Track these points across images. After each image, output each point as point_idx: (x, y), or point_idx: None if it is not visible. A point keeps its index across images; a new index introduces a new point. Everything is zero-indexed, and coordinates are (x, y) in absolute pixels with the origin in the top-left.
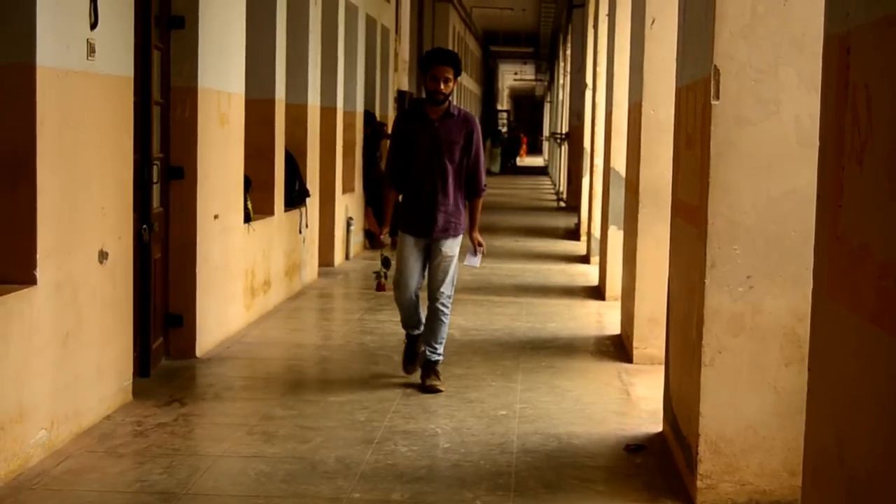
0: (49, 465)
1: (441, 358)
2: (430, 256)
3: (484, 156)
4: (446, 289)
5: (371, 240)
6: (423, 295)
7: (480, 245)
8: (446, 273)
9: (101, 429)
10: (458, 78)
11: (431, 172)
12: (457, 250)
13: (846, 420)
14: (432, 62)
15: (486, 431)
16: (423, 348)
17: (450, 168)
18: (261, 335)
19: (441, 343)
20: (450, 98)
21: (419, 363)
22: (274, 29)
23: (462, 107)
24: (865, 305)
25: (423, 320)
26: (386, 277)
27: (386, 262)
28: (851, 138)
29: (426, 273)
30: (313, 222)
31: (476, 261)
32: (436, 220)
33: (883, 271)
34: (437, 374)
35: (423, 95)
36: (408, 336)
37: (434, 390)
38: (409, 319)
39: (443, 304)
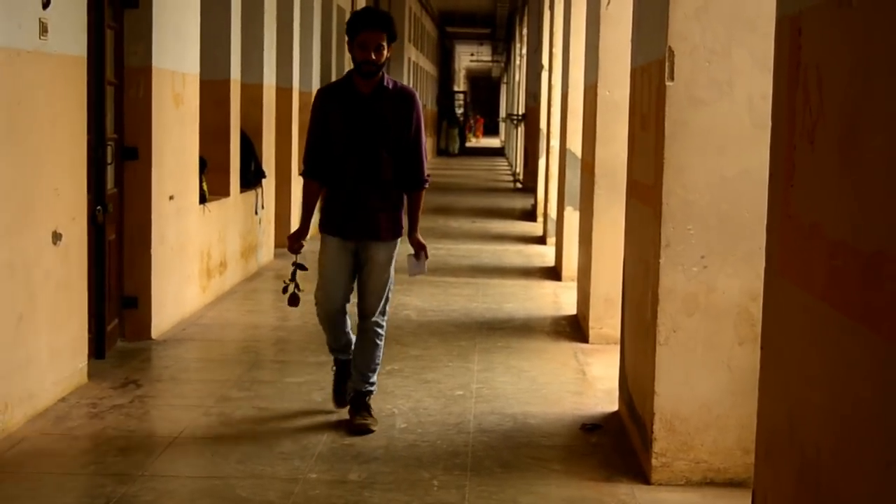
0: (3, 448)
1: (374, 390)
2: (360, 264)
3: (427, 139)
4: (379, 306)
5: None
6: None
7: (423, 248)
8: (379, 288)
9: (56, 411)
10: (393, 45)
11: (361, 159)
12: (392, 257)
13: (797, 398)
14: (360, 26)
15: (443, 412)
16: (352, 377)
17: (384, 154)
18: (217, 317)
19: (375, 371)
20: (383, 69)
21: (350, 395)
22: (229, 8)
23: (400, 81)
24: (817, 284)
25: (354, 341)
26: (299, 289)
27: (302, 268)
28: (803, 118)
29: (355, 285)
30: (269, 203)
31: (421, 267)
32: (366, 218)
33: (833, 250)
34: (368, 410)
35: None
36: (336, 362)
37: (365, 430)
38: (337, 340)
39: (376, 325)
